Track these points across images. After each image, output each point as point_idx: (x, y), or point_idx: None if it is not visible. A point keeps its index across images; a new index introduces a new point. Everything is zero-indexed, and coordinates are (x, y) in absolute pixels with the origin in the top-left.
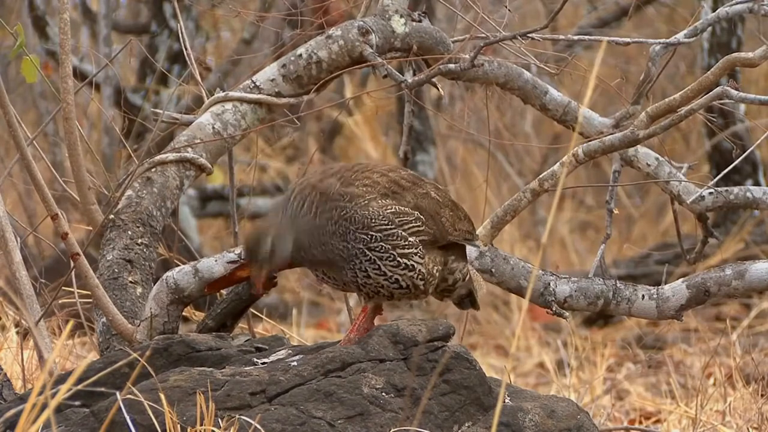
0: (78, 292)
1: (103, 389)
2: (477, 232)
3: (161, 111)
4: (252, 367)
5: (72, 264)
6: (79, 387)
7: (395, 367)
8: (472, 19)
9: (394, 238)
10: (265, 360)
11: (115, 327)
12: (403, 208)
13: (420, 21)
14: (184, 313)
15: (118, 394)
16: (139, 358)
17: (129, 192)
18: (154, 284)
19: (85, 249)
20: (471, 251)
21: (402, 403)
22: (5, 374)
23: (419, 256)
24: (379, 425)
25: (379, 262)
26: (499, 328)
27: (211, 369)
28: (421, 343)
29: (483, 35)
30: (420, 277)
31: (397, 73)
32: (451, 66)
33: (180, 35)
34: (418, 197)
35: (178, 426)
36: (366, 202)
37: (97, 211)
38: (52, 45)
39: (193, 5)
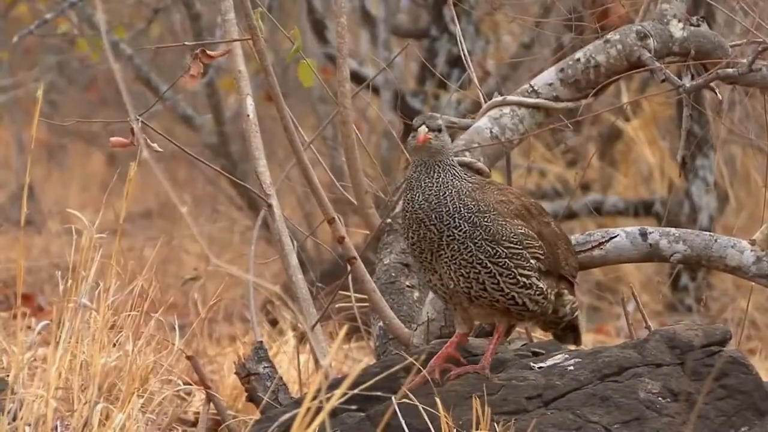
0: (354, 296)
1: (378, 393)
2: (755, 237)
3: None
4: (528, 371)
5: (348, 268)
6: (355, 391)
7: (671, 372)
8: (750, 24)
9: (519, 258)
10: (542, 364)
11: (391, 331)
12: (530, 232)
13: (698, 25)
14: None
15: (393, 398)
16: (416, 362)
17: None
18: None
19: (362, 253)
20: (749, 257)
21: (678, 408)
22: (281, 378)
23: (536, 278)
24: (655, 430)
25: (499, 278)
26: None
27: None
28: (697, 347)
29: (761, 40)
30: (538, 293)
31: (675, 77)
32: (729, 70)
33: (458, 40)
34: (541, 225)
35: (454, 430)
36: (503, 220)
37: (375, 214)
38: (331, 48)
39: (472, 10)
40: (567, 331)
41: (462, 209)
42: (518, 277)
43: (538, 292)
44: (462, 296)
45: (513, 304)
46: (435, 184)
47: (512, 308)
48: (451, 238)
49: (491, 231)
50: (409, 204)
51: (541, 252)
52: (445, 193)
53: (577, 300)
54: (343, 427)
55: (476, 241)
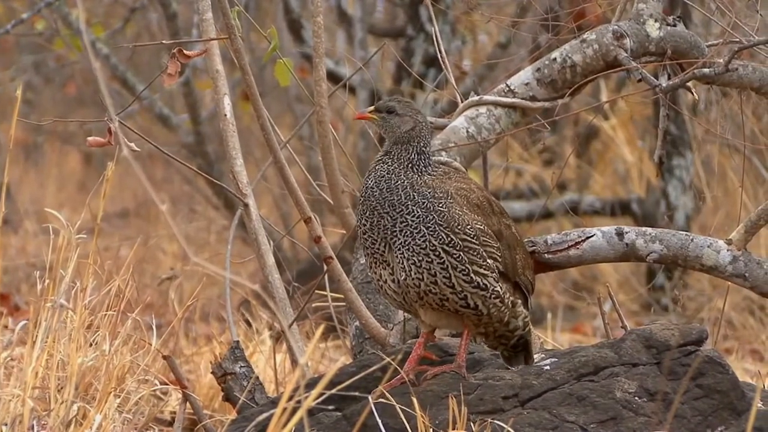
0: (331, 296)
1: (355, 393)
2: (731, 236)
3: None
4: (505, 371)
5: (325, 267)
6: (332, 391)
7: (648, 371)
8: (726, 24)
9: (474, 254)
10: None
11: (368, 330)
12: (488, 230)
13: (674, 25)
14: None
15: (370, 397)
16: (392, 362)
17: None
18: None
19: (339, 252)
20: (725, 256)
21: (654, 407)
22: (257, 377)
23: (494, 279)
24: (631, 429)
25: (451, 271)
26: (754, 333)
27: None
28: (674, 347)
29: (737, 40)
30: (494, 295)
31: (652, 77)
32: (705, 70)
33: (435, 39)
34: (502, 225)
35: (431, 430)
36: (460, 209)
37: (351, 214)
38: (307, 48)
39: (449, 9)
40: (518, 350)
41: (415, 196)
42: (472, 275)
43: (494, 295)
44: (412, 292)
45: (465, 306)
46: (388, 172)
47: (463, 311)
48: (404, 224)
49: (445, 217)
50: (363, 191)
51: (499, 254)
52: (397, 181)
53: (530, 316)
54: (319, 426)
55: (429, 225)
